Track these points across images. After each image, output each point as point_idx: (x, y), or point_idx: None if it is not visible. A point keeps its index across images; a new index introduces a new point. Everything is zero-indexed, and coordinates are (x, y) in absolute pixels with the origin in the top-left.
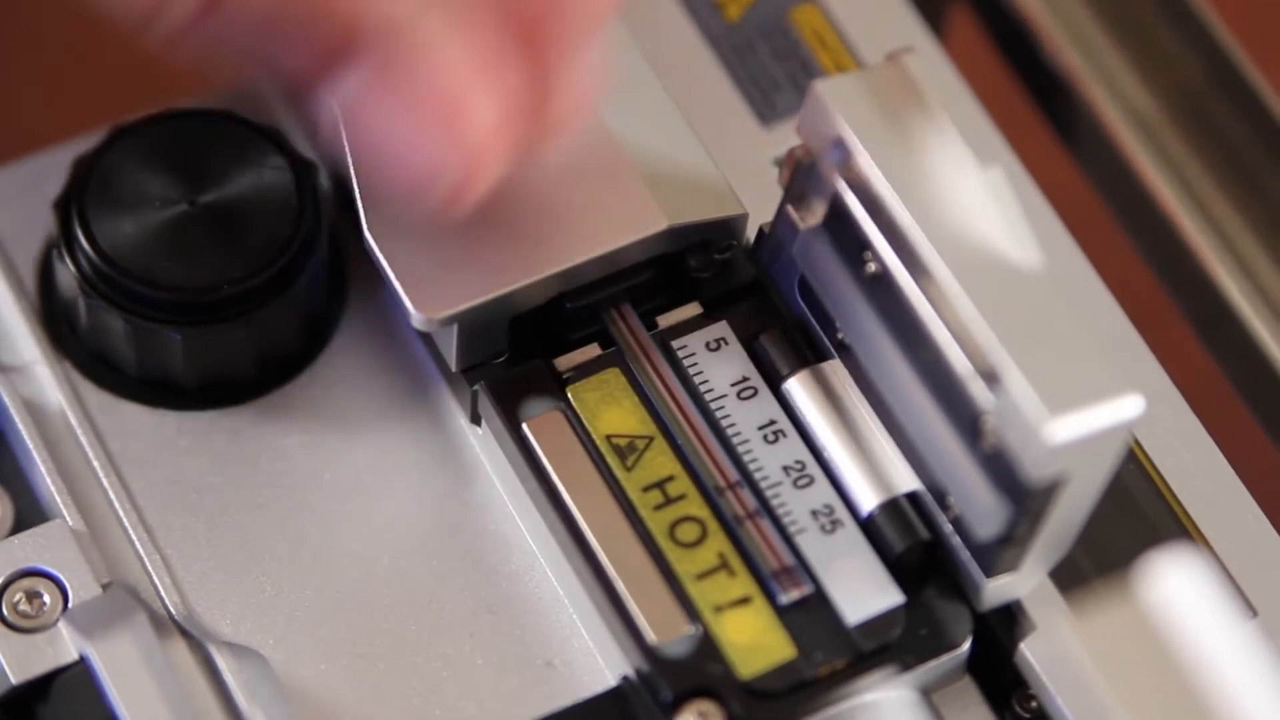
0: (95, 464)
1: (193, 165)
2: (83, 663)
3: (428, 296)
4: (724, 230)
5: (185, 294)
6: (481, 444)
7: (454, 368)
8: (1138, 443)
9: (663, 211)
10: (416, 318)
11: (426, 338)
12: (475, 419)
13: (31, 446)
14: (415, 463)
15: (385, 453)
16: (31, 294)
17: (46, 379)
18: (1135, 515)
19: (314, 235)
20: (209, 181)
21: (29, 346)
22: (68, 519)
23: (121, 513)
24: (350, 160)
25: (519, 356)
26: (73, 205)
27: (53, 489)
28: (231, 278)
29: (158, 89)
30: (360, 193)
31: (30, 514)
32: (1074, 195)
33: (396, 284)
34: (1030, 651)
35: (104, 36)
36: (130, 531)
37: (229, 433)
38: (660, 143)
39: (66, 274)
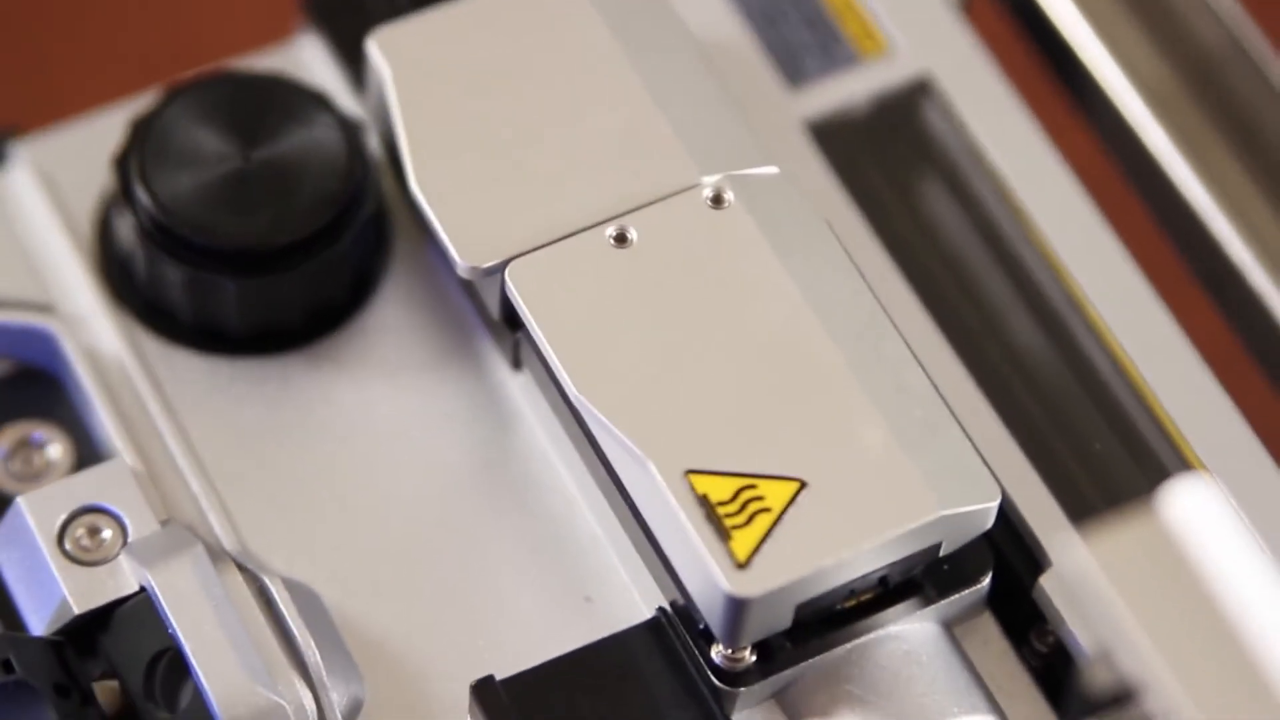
0: (152, 408)
1: (245, 124)
2: (143, 593)
3: (473, 246)
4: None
5: (240, 245)
6: (522, 391)
7: (496, 316)
8: (1151, 389)
9: (694, 168)
10: (462, 266)
11: (469, 289)
12: (516, 364)
13: (91, 392)
14: (458, 408)
15: (429, 398)
16: (90, 248)
17: (105, 328)
18: (1146, 458)
19: (361, 190)
20: (261, 140)
21: (88, 297)
22: (126, 459)
23: (178, 453)
24: (400, 127)
25: None
26: (132, 162)
27: (112, 431)
28: (283, 230)
29: (189, 57)
30: (408, 147)
31: (89, 458)
32: (1092, 162)
33: (442, 233)
34: (1048, 587)
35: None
36: (186, 471)
37: (280, 379)
38: (685, 92)
39: (126, 227)
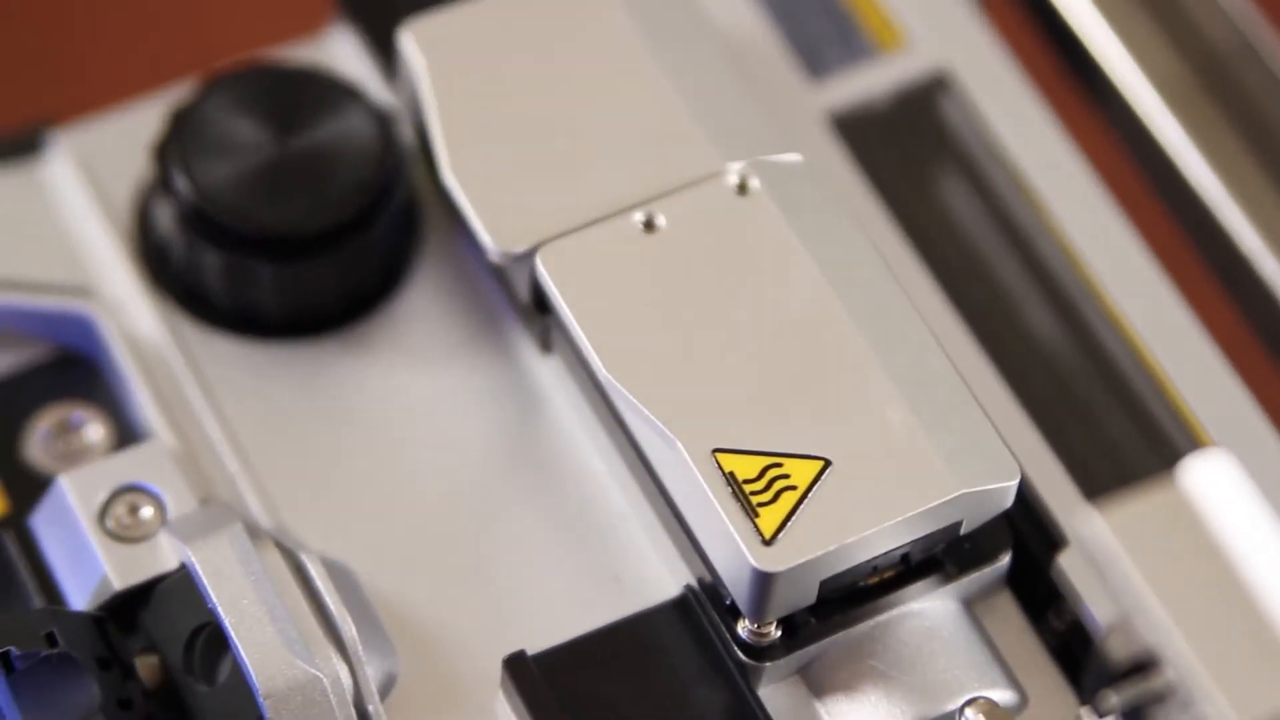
0: (190, 390)
1: (281, 114)
2: (183, 569)
3: (504, 232)
4: None
5: (276, 232)
6: (552, 373)
7: (526, 300)
8: (1164, 374)
9: (718, 156)
10: (493, 252)
11: (498, 275)
12: (546, 347)
13: (130, 374)
14: (488, 390)
15: (460, 381)
16: (129, 234)
17: (143, 312)
18: (1160, 441)
19: (394, 179)
20: (297, 129)
21: (127, 282)
22: (165, 440)
23: (215, 434)
24: (433, 116)
25: None
26: (172, 151)
27: (150, 412)
28: (318, 217)
29: (218, 49)
30: (441, 136)
31: (128, 439)
32: (1106, 153)
33: (475, 220)
34: (1065, 565)
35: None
36: (223, 451)
37: (314, 363)
38: (709, 81)
39: (165, 214)
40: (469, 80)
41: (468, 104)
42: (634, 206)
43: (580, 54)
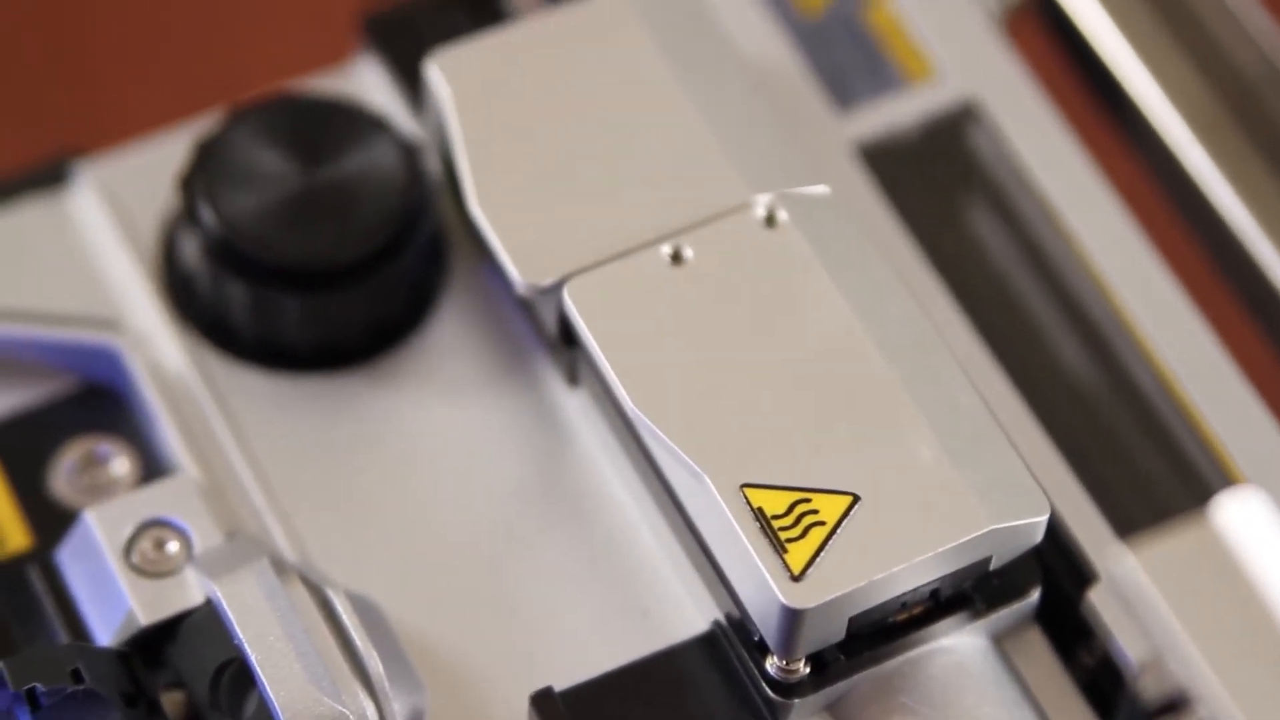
0: (216, 423)
1: (307, 146)
2: (209, 604)
3: (531, 264)
4: None
5: (302, 264)
6: (579, 407)
7: (553, 333)
8: (1195, 407)
9: (744, 187)
10: (520, 285)
11: (525, 307)
12: (573, 380)
13: (156, 407)
14: (516, 423)
15: (487, 414)
16: (154, 266)
17: (169, 345)
18: (1191, 475)
19: (421, 210)
20: (323, 161)
21: (153, 315)
22: (191, 474)
23: (241, 468)
24: (460, 147)
25: None
26: (197, 182)
27: (177, 446)
28: (345, 249)
29: (242, 81)
30: (467, 167)
31: (154, 473)
32: (1134, 182)
33: (502, 252)
34: (1096, 600)
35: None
36: (250, 486)
37: (341, 395)
38: (736, 113)
39: (191, 246)
40: (495, 111)
41: (494, 135)
42: (661, 239)
43: (607, 84)
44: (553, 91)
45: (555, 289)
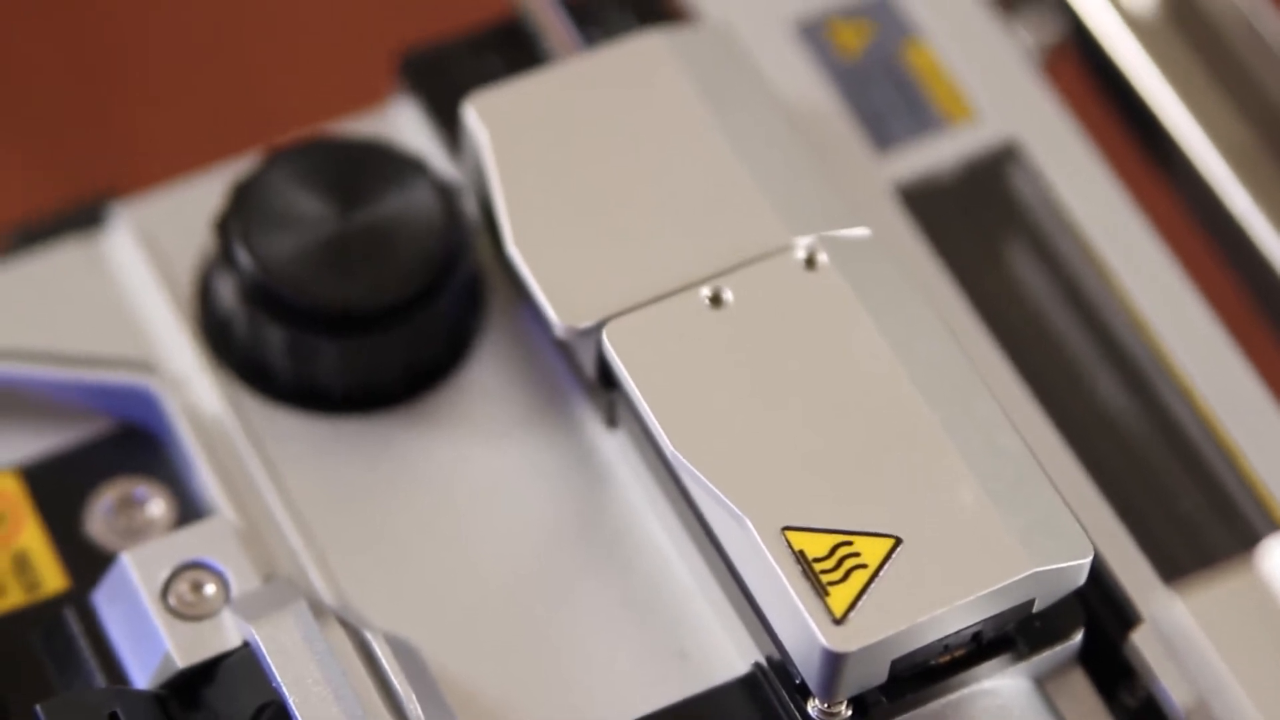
0: (252, 466)
1: (344, 188)
2: (246, 647)
3: (570, 307)
4: None
5: (340, 307)
6: (617, 449)
7: (591, 375)
8: (1238, 448)
9: (784, 230)
10: (559, 327)
11: (563, 349)
12: (612, 422)
13: (192, 450)
14: (554, 465)
15: (525, 456)
16: (190, 308)
17: (205, 387)
18: (1234, 517)
19: (459, 253)
20: (359, 203)
21: (188, 357)
22: (228, 516)
23: (278, 511)
24: (498, 190)
25: None
26: (233, 224)
27: (213, 488)
28: (382, 292)
29: (266, 126)
30: (505, 209)
31: (190, 515)
32: (1177, 226)
33: (540, 295)
34: (1140, 643)
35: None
36: (286, 528)
37: (378, 438)
38: (775, 155)
39: (227, 288)
40: (533, 153)
41: (532, 177)
42: (700, 281)
43: (644, 126)
44: (590, 133)
45: (593, 331)
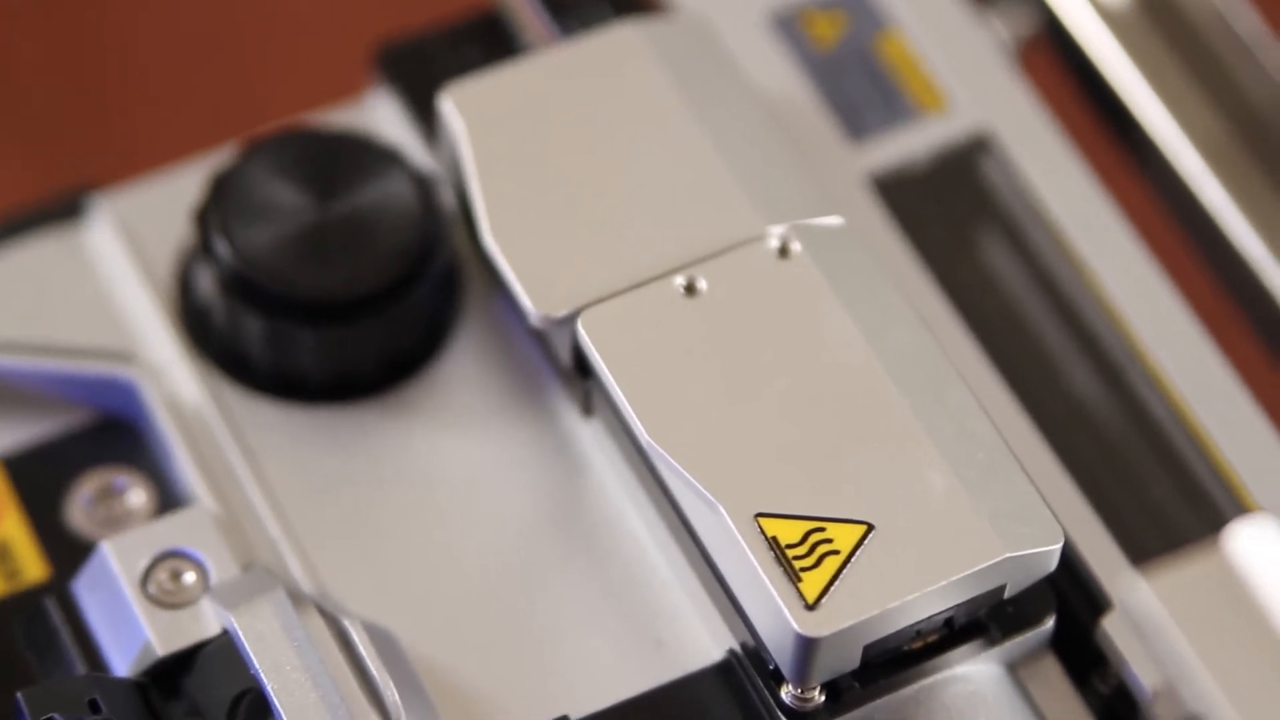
0: (232, 455)
1: (321, 179)
2: (225, 635)
3: (545, 295)
4: None
5: (317, 296)
6: (593, 437)
7: (567, 364)
8: (1208, 435)
9: (758, 218)
10: (534, 316)
11: (539, 338)
12: (587, 410)
13: (172, 439)
14: (530, 454)
15: (502, 445)
16: (170, 298)
17: (185, 377)
18: (1205, 504)
19: (435, 243)
20: (337, 194)
21: (168, 347)
22: (207, 505)
23: (257, 500)
24: (474, 179)
25: None
26: (212, 215)
27: (193, 477)
28: (360, 282)
29: (256, 114)
30: (481, 199)
31: (170, 504)
32: (1150, 217)
33: (515, 283)
34: (1110, 628)
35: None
36: (265, 517)
37: (356, 427)
38: (750, 145)
39: (206, 279)
40: (509, 143)
41: (508, 167)
42: (675, 270)
43: (620, 116)
44: (566, 123)
45: (569, 320)
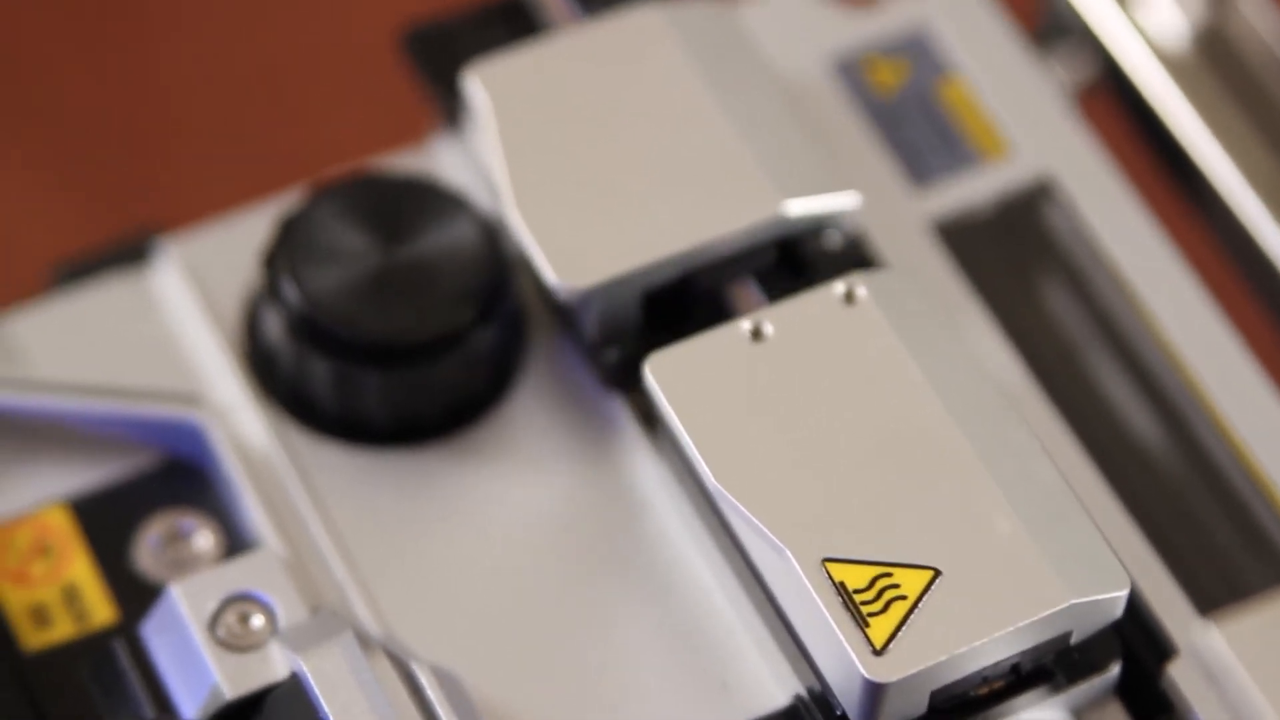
0: (298, 498)
1: (388, 223)
2: (294, 679)
3: (569, 267)
4: (835, 218)
5: (384, 340)
6: (658, 480)
7: (589, 342)
8: (1272, 482)
9: (776, 195)
10: (558, 286)
11: (564, 315)
12: (617, 384)
13: (239, 482)
14: (594, 498)
15: (566, 488)
16: (237, 341)
17: (252, 420)
18: (1268, 551)
19: (500, 287)
20: (403, 238)
21: (235, 390)
22: (275, 548)
23: (324, 543)
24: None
25: (652, 334)
26: (280, 259)
27: (260, 520)
28: (427, 325)
29: (318, 162)
30: (507, 174)
31: (236, 547)
32: (1211, 261)
33: (540, 255)
34: (1176, 675)
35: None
36: (332, 560)
37: (422, 470)
38: (767, 124)
39: (273, 322)
40: (533, 120)
41: (532, 143)
42: (694, 247)
43: (642, 95)
44: (589, 102)
45: (592, 292)
